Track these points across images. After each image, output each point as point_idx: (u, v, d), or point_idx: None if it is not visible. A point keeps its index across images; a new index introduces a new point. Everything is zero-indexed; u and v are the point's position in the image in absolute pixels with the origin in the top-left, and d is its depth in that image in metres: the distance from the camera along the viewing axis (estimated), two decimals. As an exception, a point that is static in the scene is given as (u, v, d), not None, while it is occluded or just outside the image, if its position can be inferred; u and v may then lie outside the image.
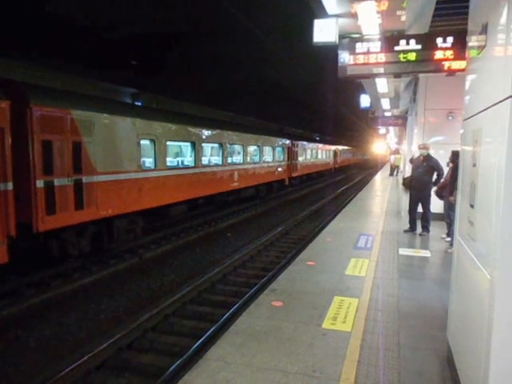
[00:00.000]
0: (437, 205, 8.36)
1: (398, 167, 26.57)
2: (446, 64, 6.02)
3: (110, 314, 6.28)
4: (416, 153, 9.60)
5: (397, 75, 6.96)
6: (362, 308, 4.46)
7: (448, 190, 7.23)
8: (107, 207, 8.39)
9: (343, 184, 28.97)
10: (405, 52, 6.20)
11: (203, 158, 12.86)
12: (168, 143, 10.77)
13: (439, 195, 7.91)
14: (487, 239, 2.30)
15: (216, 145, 14.05)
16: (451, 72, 6.08)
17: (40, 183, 6.92)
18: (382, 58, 6.35)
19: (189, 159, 12.47)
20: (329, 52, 7.72)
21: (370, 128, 38.19)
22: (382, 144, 48.40)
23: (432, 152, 8.66)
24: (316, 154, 29.10)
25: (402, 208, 11.27)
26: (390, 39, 6.40)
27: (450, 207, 7.12)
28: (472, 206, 2.71)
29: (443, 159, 8.11)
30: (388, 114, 21.10)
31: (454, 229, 3.57)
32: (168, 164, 10.96)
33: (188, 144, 12.27)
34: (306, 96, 29.72)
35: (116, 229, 8.94)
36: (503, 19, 2.18)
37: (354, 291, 4.97)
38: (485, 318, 2.19)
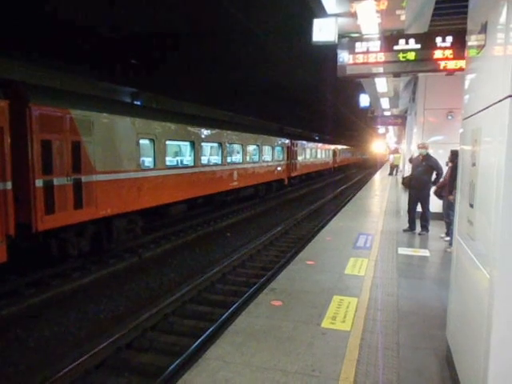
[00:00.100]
0: (436, 204, 8.37)
1: (397, 166, 26.57)
2: (446, 63, 6.02)
3: (109, 314, 6.28)
4: (415, 152, 9.60)
5: (396, 75, 6.96)
6: (361, 307, 4.46)
7: (447, 189, 7.25)
8: (106, 207, 8.39)
9: (342, 183, 28.97)
10: (404, 51, 6.20)
11: (202, 158, 12.86)
12: (167, 143, 10.77)
13: (438, 195, 7.92)
14: (486, 239, 2.30)
15: (215, 144, 14.05)
16: (450, 71, 6.08)
17: (39, 183, 6.92)
18: (382, 57, 6.36)
19: (188, 159, 12.47)
20: (328, 51, 7.74)
21: (370, 127, 38.17)
22: (381, 143, 48.45)
23: (431, 151, 8.69)
24: (315, 153, 29.09)
25: (402, 207, 11.27)
26: (390, 38, 6.40)
27: (449, 206, 7.13)
28: (471, 206, 2.71)
29: (442, 159, 8.12)
30: (387, 113, 21.08)
31: (454, 228, 3.57)
32: (167, 163, 10.96)
33: (187, 143, 12.28)
34: (306, 96, 29.68)
35: (115, 228, 8.93)
36: (503, 18, 2.18)
37: (353, 290, 4.97)
38: (484, 318, 2.20)
